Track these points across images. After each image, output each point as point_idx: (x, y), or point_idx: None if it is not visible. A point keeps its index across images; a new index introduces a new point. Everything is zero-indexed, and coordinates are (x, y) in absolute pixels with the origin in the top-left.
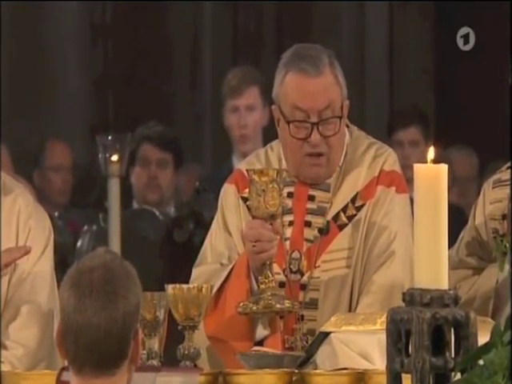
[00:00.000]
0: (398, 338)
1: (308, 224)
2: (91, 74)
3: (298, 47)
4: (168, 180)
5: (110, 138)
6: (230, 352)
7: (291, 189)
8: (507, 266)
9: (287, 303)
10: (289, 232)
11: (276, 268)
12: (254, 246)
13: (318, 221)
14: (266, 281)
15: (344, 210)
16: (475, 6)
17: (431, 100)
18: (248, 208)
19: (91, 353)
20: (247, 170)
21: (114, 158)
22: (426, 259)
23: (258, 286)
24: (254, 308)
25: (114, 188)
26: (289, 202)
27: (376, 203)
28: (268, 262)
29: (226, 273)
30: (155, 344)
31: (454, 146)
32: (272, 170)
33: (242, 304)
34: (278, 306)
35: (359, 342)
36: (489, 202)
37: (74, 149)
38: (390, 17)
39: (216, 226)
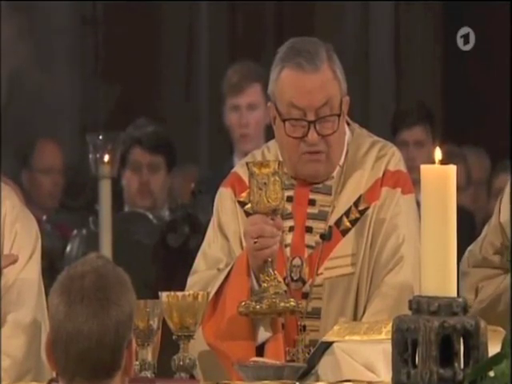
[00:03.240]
0: (404, 348)
1: (309, 229)
2: (81, 71)
3: (295, 41)
4: (160, 184)
5: (100, 137)
6: (230, 361)
7: (290, 193)
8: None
9: (292, 302)
10: (289, 238)
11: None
12: (256, 242)
13: (319, 226)
14: (268, 279)
15: (347, 214)
16: (482, 3)
17: (438, 98)
18: (245, 212)
19: (82, 363)
20: (247, 163)
21: (106, 158)
22: (434, 265)
23: (260, 285)
24: (258, 307)
25: (105, 190)
26: (288, 207)
27: (382, 206)
28: (270, 260)
29: (224, 274)
30: (148, 354)
31: (462, 147)
32: (273, 161)
33: (243, 303)
34: (283, 304)
35: (363, 352)
36: None
37: (63, 148)
38: (395, 13)
39: (212, 232)
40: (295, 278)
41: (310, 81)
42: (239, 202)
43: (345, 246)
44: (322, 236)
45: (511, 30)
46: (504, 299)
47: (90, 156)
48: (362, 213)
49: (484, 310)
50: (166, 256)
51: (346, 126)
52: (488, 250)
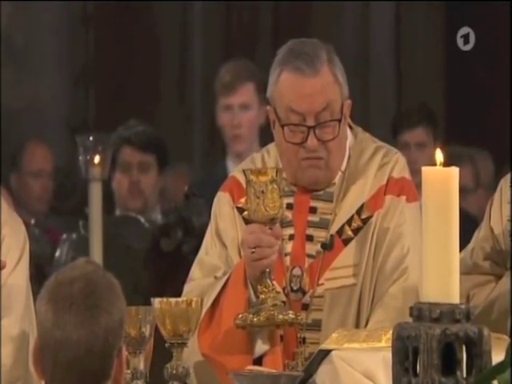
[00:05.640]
0: (405, 356)
1: (310, 238)
2: (71, 69)
3: (294, 43)
4: (152, 184)
5: (91, 138)
6: (225, 371)
7: (291, 199)
8: None
9: (291, 314)
10: (289, 246)
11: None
12: (253, 252)
13: (320, 234)
14: (266, 290)
15: (349, 222)
16: (484, 3)
17: (440, 99)
18: (244, 219)
19: (70, 372)
20: (244, 171)
21: (96, 160)
22: (436, 271)
23: (257, 297)
24: (255, 320)
25: (96, 193)
26: (288, 214)
27: (385, 214)
28: (268, 270)
29: (221, 284)
30: (140, 363)
31: (469, 149)
32: (271, 169)
33: (240, 316)
34: (281, 316)
35: (363, 360)
36: (506, 202)
37: (52, 150)
38: (396, 9)
39: (209, 238)
40: (295, 289)
41: (310, 85)
42: (237, 208)
43: (347, 255)
44: (323, 245)
45: (511, 29)
46: (497, 307)
47: (80, 158)
48: (364, 221)
49: (477, 318)
50: (158, 261)
51: (348, 129)
52: (479, 255)
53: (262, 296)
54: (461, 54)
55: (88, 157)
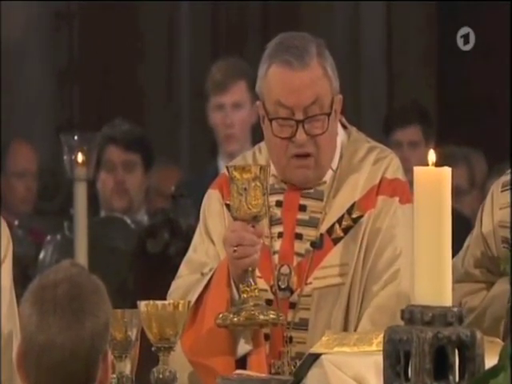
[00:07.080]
0: (397, 360)
1: (299, 236)
2: (55, 67)
3: (284, 36)
4: (137, 184)
5: (75, 137)
6: (211, 375)
7: (280, 197)
8: None
9: (272, 314)
10: (278, 244)
11: (263, 284)
12: (235, 250)
13: (310, 233)
14: (248, 289)
15: (339, 221)
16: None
17: (433, 97)
18: (233, 216)
19: (55, 376)
20: (227, 167)
21: (80, 159)
22: (428, 273)
23: (240, 296)
24: (235, 319)
25: (81, 193)
26: (277, 212)
27: (378, 215)
28: (250, 269)
29: (205, 282)
30: (126, 367)
31: (463, 148)
32: (255, 166)
33: (221, 315)
34: (262, 317)
35: (353, 364)
36: (498, 207)
37: (37, 150)
38: (387, 5)
39: (198, 236)
40: (283, 287)
41: (298, 78)
42: (227, 205)
43: (336, 255)
44: (313, 244)
45: (511, 29)
46: (489, 313)
47: (65, 157)
48: (355, 221)
49: (468, 327)
50: (144, 263)
51: (341, 128)
52: (470, 262)
53: (244, 295)
54: (453, 52)
55: (73, 156)
